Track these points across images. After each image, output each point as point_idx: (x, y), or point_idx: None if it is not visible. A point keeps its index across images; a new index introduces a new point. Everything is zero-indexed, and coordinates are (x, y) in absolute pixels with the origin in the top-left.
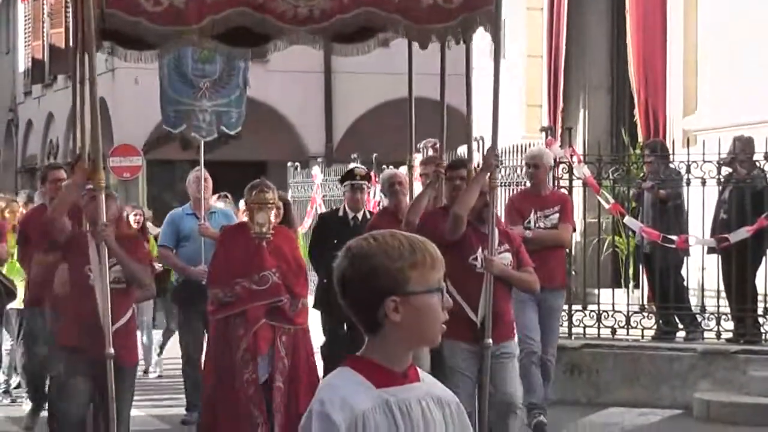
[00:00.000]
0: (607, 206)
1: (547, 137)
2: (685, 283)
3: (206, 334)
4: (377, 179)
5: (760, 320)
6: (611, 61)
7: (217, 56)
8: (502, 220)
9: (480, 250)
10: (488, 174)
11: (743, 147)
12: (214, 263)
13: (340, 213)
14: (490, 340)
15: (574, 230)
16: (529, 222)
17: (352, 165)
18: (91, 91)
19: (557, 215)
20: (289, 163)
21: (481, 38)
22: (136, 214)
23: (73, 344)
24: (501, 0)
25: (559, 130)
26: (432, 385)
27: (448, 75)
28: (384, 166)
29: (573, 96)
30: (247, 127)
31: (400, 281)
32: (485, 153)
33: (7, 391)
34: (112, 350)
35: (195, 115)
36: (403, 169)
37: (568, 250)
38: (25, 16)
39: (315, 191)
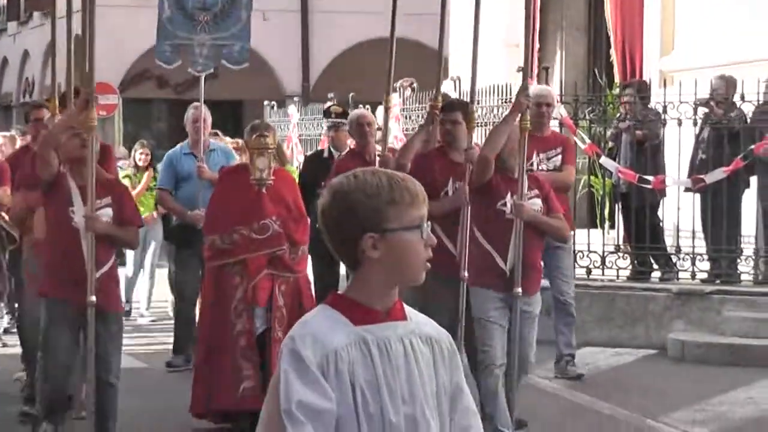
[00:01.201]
0: (583, 146)
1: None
2: (661, 224)
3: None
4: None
5: (737, 261)
6: (588, 0)
7: None
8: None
9: (509, 195)
10: (519, 115)
11: (720, 87)
12: (212, 208)
13: (325, 154)
14: (520, 290)
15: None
16: (532, 164)
17: (328, 104)
18: (90, 23)
19: (559, 157)
20: (265, 102)
21: None
22: (143, 153)
23: (57, 293)
24: None
25: (536, 71)
26: (421, 324)
27: (423, 14)
28: (361, 106)
29: (550, 36)
30: (223, 66)
31: (378, 218)
32: (517, 95)
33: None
34: (93, 298)
35: (192, 49)
36: (356, 111)
37: None
38: None
39: (291, 130)
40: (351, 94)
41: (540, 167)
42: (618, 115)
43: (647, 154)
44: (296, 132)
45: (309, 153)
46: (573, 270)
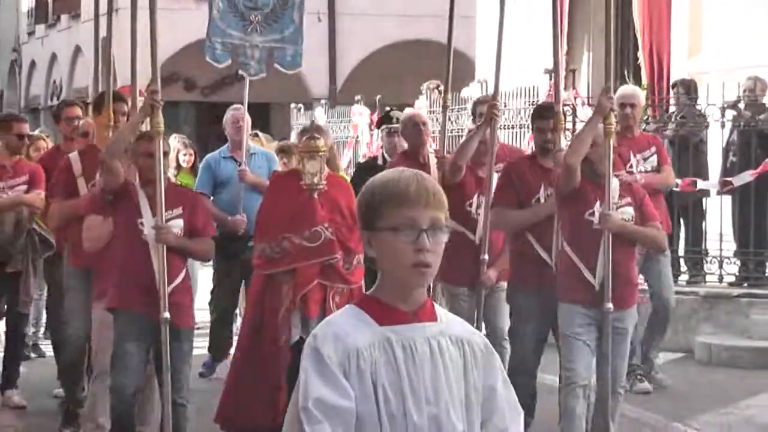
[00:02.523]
0: None
1: (550, 80)
2: (703, 226)
3: (244, 287)
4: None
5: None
6: (616, 2)
7: None
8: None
9: (598, 203)
10: (602, 118)
11: (750, 87)
12: (262, 214)
13: (379, 161)
14: (611, 305)
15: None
16: (631, 166)
17: (387, 108)
18: (151, 21)
19: (655, 157)
20: (292, 105)
21: None
22: (186, 153)
23: (128, 306)
24: None
25: (563, 73)
26: (452, 324)
27: (459, 16)
28: (388, 108)
29: (577, 38)
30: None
31: (371, 216)
32: (600, 97)
33: (36, 345)
34: (167, 314)
35: (244, 50)
36: (409, 110)
37: None
38: None
39: None
40: (378, 97)
41: (639, 168)
42: (645, 117)
43: (688, 154)
44: None
45: (361, 160)
46: (671, 274)
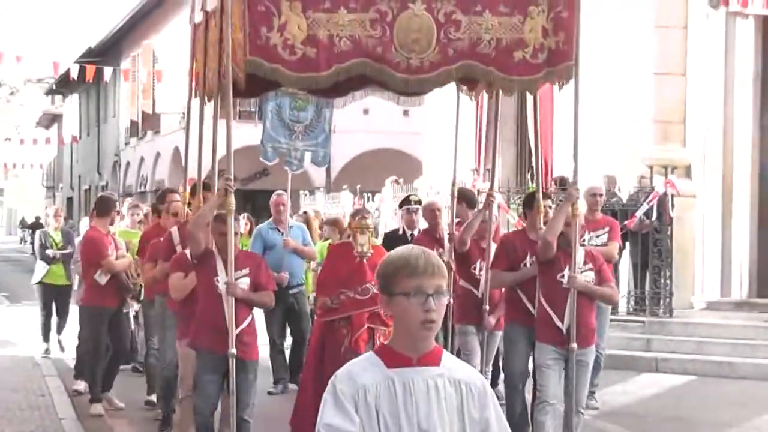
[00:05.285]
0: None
1: (474, 175)
2: None
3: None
4: (362, 203)
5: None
6: (518, 126)
7: (309, 105)
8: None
9: (567, 268)
10: (571, 204)
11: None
12: (323, 275)
13: (400, 231)
14: (575, 345)
15: (622, 248)
16: (584, 240)
17: (408, 194)
18: (228, 127)
19: (606, 235)
20: (301, 191)
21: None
22: (246, 223)
23: (206, 345)
24: (579, 57)
25: (482, 170)
26: (453, 369)
27: (412, 133)
28: (365, 194)
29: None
30: (275, 166)
31: (388, 283)
32: (569, 189)
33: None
34: (234, 350)
35: (289, 153)
36: (428, 200)
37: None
38: (126, 92)
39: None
40: (358, 186)
41: (591, 242)
42: None
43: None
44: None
45: (387, 231)
46: (607, 327)
